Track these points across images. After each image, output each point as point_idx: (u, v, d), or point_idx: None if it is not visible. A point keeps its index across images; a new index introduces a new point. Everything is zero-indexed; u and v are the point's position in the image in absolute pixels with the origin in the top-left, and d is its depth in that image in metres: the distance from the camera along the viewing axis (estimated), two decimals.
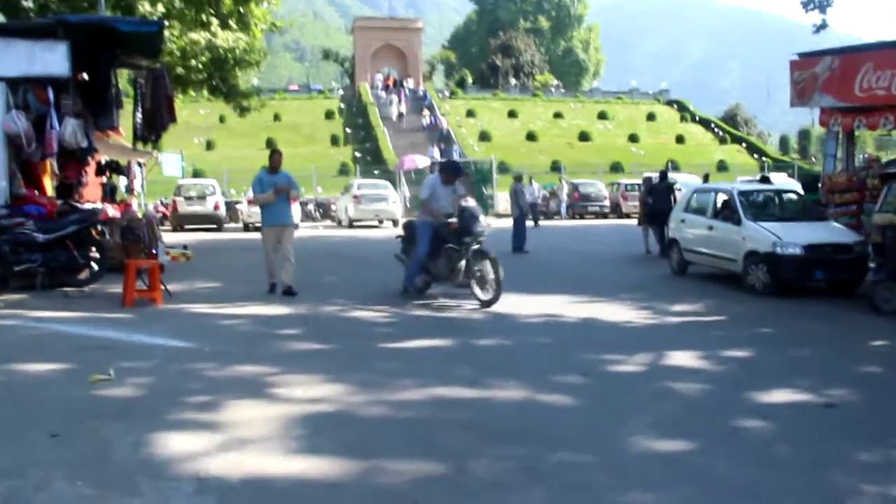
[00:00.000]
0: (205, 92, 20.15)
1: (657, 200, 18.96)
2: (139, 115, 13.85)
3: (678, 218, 15.42)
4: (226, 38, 17.74)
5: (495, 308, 10.29)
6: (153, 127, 13.49)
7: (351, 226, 29.32)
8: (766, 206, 14.30)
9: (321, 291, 11.86)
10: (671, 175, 20.28)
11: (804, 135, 71.85)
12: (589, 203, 34.86)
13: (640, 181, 36.71)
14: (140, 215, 14.67)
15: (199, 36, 17.16)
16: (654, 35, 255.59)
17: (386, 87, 55.04)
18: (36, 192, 12.25)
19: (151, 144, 14.68)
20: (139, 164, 22.52)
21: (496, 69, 71.03)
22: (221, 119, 46.20)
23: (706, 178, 22.77)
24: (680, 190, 19.92)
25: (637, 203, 34.88)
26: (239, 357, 7.21)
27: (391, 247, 20.25)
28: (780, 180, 37.24)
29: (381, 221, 30.01)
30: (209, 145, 44.17)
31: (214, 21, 17.74)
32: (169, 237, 19.90)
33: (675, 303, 11.29)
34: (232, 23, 18.37)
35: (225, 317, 9.50)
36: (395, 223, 29.48)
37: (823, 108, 16.89)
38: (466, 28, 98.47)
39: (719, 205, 14.21)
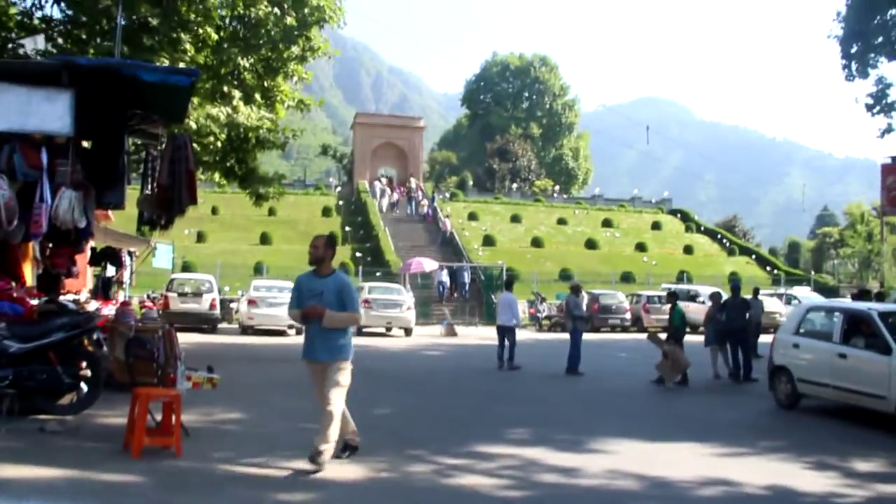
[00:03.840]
0: (216, 175, 17.51)
1: (732, 318, 16.57)
2: (148, 192, 11.10)
3: (788, 342, 12.85)
4: (248, 115, 15.24)
5: (633, 468, 7.76)
6: (167, 208, 10.67)
7: (360, 333, 26.33)
8: None
9: (381, 432, 8.94)
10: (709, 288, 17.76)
11: (794, 247, 70.70)
12: (609, 315, 32.22)
13: (662, 293, 34.72)
14: (136, 315, 11.74)
15: (220, 110, 14.63)
16: (632, 146, 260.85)
17: (384, 191, 53.21)
18: (12, 284, 9.33)
19: (159, 230, 11.84)
20: (130, 254, 19.78)
21: (493, 173, 69.81)
22: (214, 210, 43.66)
23: (756, 294, 20.31)
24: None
25: (658, 317, 33.06)
26: None
27: (428, 360, 17.58)
28: (803, 293, 35.38)
29: (389, 329, 27.09)
30: (200, 237, 41.41)
31: (236, 94, 15.28)
32: None
33: (847, 457, 8.79)
34: (256, 97, 15.91)
35: (280, 486, 6.52)
36: (407, 332, 26.62)
37: None
38: (456, 132, 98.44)
39: (846, 327, 11.70)
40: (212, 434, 8.27)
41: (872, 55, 21.32)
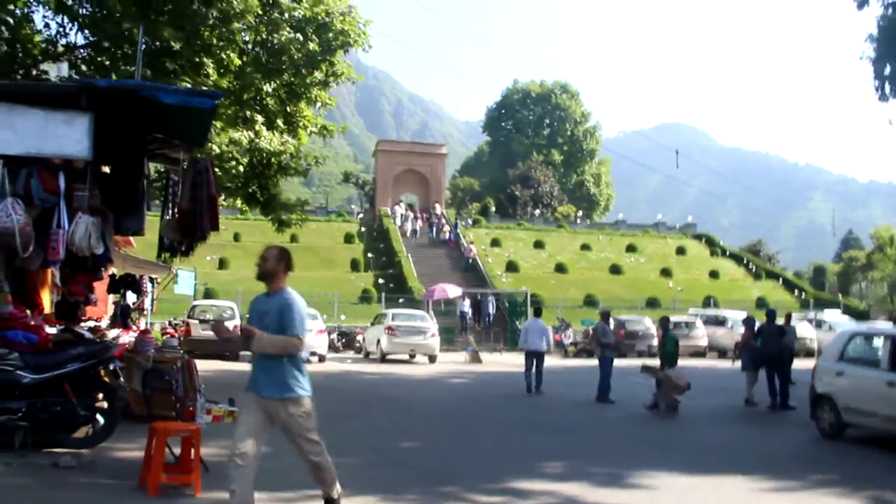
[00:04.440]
0: (238, 201, 17.28)
1: (767, 344, 16.09)
2: (168, 217, 10.85)
3: (831, 370, 12.38)
4: (270, 140, 15.02)
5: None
6: (189, 234, 10.39)
7: (383, 360, 25.96)
8: None
9: (410, 468, 8.54)
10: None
11: (820, 271, 69.66)
12: (636, 341, 31.55)
13: (690, 318, 34.16)
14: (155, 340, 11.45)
15: (242, 135, 14.41)
16: (654, 172, 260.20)
17: (405, 216, 52.99)
18: (27, 312, 9.07)
19: (180, 257, 11.56)
20: (152, 281, 19.60)
21: (515, 199, 69.51)
22: (236, 237, 43.54)
23: (788, 318, 19.58)
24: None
25: (686, 343, 32.45)
26: None
27: (454, 388, 17.12)
28: (833, 318, 34.61)
29: (412, 356, 26.70)
30: (222, 263, 41.28)
31: (259, 118, 15.07)
32: None
33: None
34: (279, 122, 15.69)
35: None
36: (431, 359, 26.22)
37: None
38: (478, 158, 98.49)
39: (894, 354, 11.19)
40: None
41: None
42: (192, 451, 6.78)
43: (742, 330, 27.81)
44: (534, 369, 17.37)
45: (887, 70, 20.89)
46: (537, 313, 19.51)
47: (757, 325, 17.08)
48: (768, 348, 16.02)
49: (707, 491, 8.14)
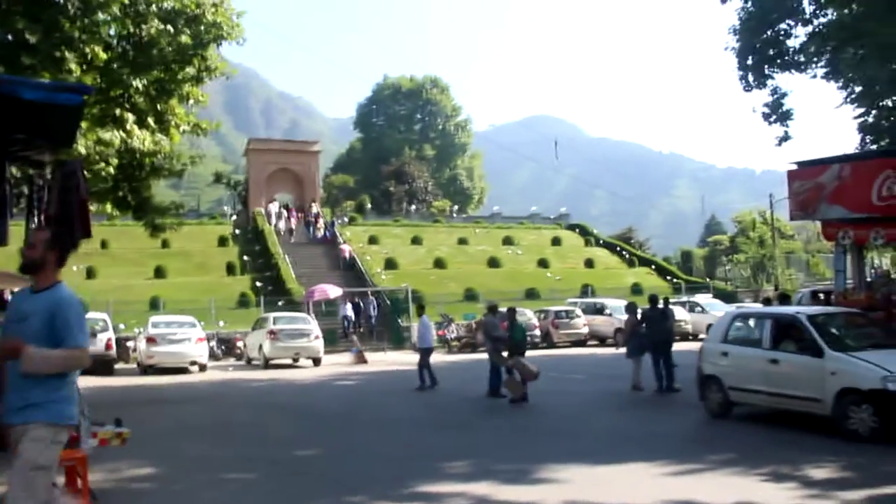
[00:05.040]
0: (108, 206, 16.23)
1: (653, 329, 16.50)
2: (34, 226, 10.00)
3: (716, 351, 12.83)
4: (143, 139, 14.15)
5: (592, 496, 7.36)
6: (60, 243, 9.59)
7: (267, 365, 25.19)
8: (841, 332, 11.75)
9: (311, 477, 8.18)
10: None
11: (687, 256, 72.87)
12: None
13: (569, 308, 34.81)
14: None
15: (113, 135, 13.49)
16: (522, 165, 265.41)
17: (279, 213, 51.79)
18: None
19: None
20: (13, 294, 18.25)
21: (390, 195, 69.31)
22: (103, 244, 41.28)
23: (667, 303, 19.83)
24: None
25: (568, 331, 33.11)
26: None
27: (343, 391, 16.75)
28: (705, 301, 36.04)
29: (296, 360, 26.08)
30: (90, 273, 39.00)
31: (129, 117, 14.16)
32: None
33: (799, 465, 8.60)
34: (150, 121, 14.81)
35: None
36: (316, 362, 25.66)
37: (830, 220, 15.47)
38: (350, 156, 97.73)
39: (775, 333, 11.66)
40: (123, 496, 7.33)
41: (767, 66, 21.90)
42: (79, 480, 6.18)
43: (622, 316, 28.66)
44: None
45: (750, 61, 21.85)
46: (422, 310, 19.96)
47: (639, 310, 17.44)
48: (654, 333, 16.40)
49: (615, 479, 8.15)
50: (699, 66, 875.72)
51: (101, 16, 12.68)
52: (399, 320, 35.46)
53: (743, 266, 59.98)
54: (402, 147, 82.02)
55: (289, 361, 26.04)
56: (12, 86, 7.57)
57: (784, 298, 19.13)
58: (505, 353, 15.95)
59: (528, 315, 32.98)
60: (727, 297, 40.66)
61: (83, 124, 12.79)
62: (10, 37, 12.24)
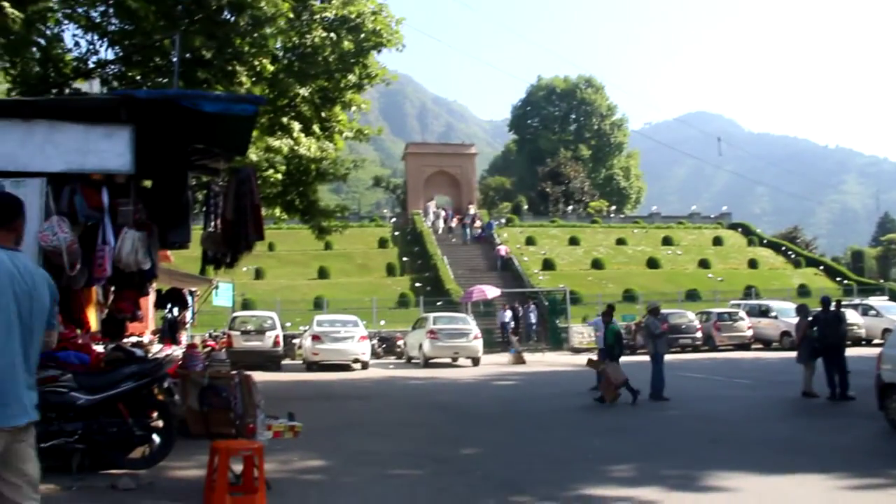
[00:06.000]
0: (277, 210, 17.09)
1: (825, 333, 15.49)
2: (211, 229, 10.63)
3: None
4: (308, 146, 14.78)
5: None
6: (234, 245, 10.16)
7: (426, 364, 25.69)
8: None
9: (477, 477, 8.21)
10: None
11: (858, 256, 68.26)
12: (679, 335, 30.88)
13: (732, 310, 33.46)
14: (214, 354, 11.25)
15: (282, 143, 14.19)
16: (680, 163, 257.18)
17: (437, 213, 52.68)
18: (77, 331, 8.88)
19: (224, 269, 11.36)
20: (191, 294, 19.50)
21: (546, 196, 68.95)
22: (271, 247, 43.48)
23: (839, 306, 18.67)
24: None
25: (731, 334, 31.85)
26: None
27: (502, 391, 16.76)
28: (880, 304, 33.63)
29: (455, 359, 26.42)
30: (258, 274, 41.30)
31: (296, 125, 14.84)
32: None
33: None
34: (315, 128, 15.45)
35: None
36: (475, 362, 25.90)
37: None
38: (505, 157, 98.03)
39: None
40: (295, 486, 7.63)
41: None
42: (255, 469, 6.51)
43: (789, 319, 27.17)
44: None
45: None
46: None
47: (811, 313, 16.50)
48: (827, 337, 15.47)
49: (787, 490, 7.73)
50: (865, 52, 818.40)
51: (268, 30, 13.31)
52: (556, 322, 35.23)
53: None
54: (557, 148, 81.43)
55: (448, 361, 26.43)
56: (194, 99, 8.10)
57: None
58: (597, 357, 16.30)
59: (688, 317, 32.02)
60: None
61: (254, 133, 13.51)
62: (188, 54, 13.07)
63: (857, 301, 34.86)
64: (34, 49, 13.39)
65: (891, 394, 11.68)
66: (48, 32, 13.74)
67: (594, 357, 17.07)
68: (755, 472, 8.40)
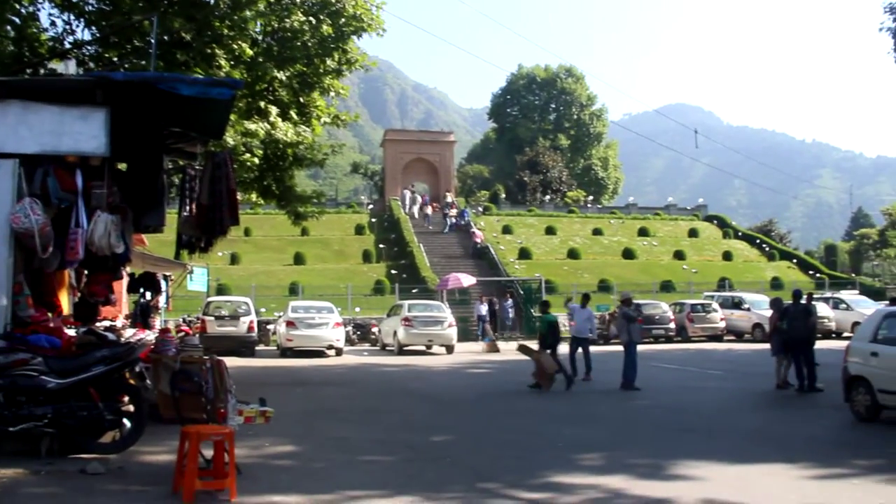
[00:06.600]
0: (253, 195, 17.00)
1: (794, 326, 15.74)
2: (186, 214, 10.60)
3: (865, 351, 12.09)
4: (286, 131, 14.70)
5: (731, 496, 7.09)
6: (209, 230, 10.14)
7: (401, 352, 25.75)
8: None
9: (446, 464, 8.28)
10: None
11: (831, 250, 69.08)
12: (653, 326, 31.04)
13: (706, 301, 33.79)
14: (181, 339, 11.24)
15: (259, 126, 14.10)
16: (658, 155, 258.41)
17: (414, 198, 52.63)
18: (48, 315, 8.82)
19: (199, 253, 11.33)
20: (165, 278, 19.39)
21: (524, 185, 69.04)
22: (247, 231, 43.20)
23: (810, 299, 18.79)
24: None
25: (704, 325, 32.17)
26: None
27: (476, 379, 16.87)
28: (850, 297, 34.08)
29: (429, 347, 26.49)
30: (234, 259, 41.01)
31: (273, 110, 14.76)
32: None
33: None
34: (292, 113, 15.38)
35: None
36: (449, 350, 25.98)
37: None
38: (484, 146, 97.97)
39: None
40: (265, 471, 7.67)
41: None
42: (226, 454, 6.53)
43: (761, 312, 27.51)
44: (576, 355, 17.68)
45: None
46: (586, 300, 19.00)
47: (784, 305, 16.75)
48: (796, 330, 15.70)
49: (753, 479, 7.85)
50: (843, 48, 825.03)
51: (248, 13, 13.22)
52: (531, 310, 35.32)
53: (893, 261, 56.41)
54: (536, 137, 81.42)
55: (422, 348, 26.49)
56: (171, 82, 8.08)
57: None
58: (534, 346, 16.80)
59: (662, 308, 32.28)
60: (875, 294, 38.47)
61: (231, 117, 13.43)
62: (167, 35, 12.95)
63: (828, 294, 35.34)
64: (8, 27, 13.19)
65: (857, 386, 11.91)
66: (23, 11, 13.53)
67: (526, 343, 17.68)
68: (723, 462, 8.56)
